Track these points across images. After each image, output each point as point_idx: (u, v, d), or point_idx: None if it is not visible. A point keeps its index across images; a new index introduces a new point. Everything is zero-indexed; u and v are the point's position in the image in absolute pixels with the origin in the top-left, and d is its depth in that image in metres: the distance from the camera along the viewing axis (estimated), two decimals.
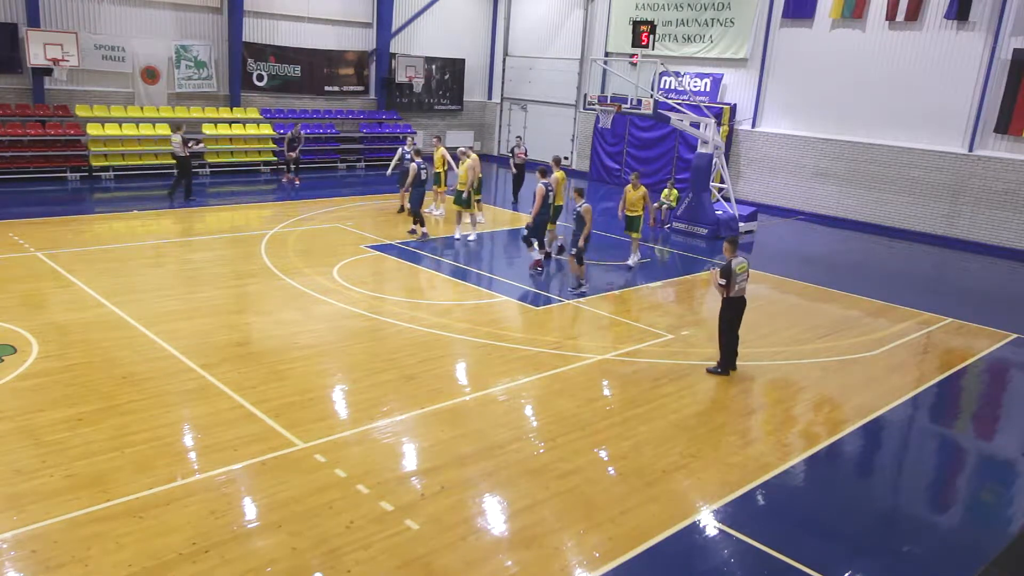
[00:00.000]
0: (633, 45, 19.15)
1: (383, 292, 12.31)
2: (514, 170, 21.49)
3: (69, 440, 7.08)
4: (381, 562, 5.69)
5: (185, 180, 18.29)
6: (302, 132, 21.90)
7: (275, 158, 23.62)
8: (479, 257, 15.20)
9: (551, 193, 13.89)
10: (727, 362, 9.78)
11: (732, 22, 22.98)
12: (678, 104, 19.74)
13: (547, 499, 6.70)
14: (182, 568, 5.47)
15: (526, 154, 21.53)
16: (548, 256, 14.80)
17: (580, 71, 27.30)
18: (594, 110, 19.84)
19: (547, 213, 14.06)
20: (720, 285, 9.45)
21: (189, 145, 18.21)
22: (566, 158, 28.12)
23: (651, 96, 18.26)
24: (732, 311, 9.61)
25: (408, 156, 16.89)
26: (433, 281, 13.29)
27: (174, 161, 18.49)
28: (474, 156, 16.16)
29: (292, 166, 21.73)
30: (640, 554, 6.04)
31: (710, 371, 9.78)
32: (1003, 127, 18.36)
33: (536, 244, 14.00)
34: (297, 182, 21.55)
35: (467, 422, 8.05)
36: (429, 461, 7.23)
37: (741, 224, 18.97)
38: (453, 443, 7.56)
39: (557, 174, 14.74)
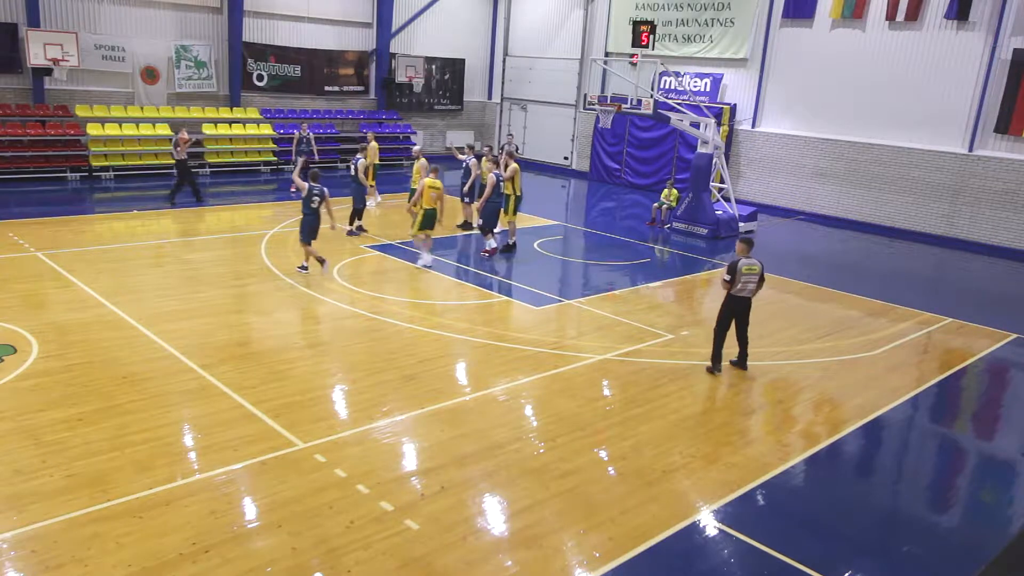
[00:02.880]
0: (633, 45, 19.16)
1: (383, 292, 12.31)
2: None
3: (69, 440, 7.08)
4: (381, 562, 5.69)
5: (188, 182, 17.91)
6: (310, 133, 20.57)
7: (275, 158, 23.62)
8: (478, 257, 15.19)
9: (502, 183, 14.44)
10: (716, 359, 9.76)
11: (732, 22, 22.98)
12: (678, 104, 19.75)
13: (547, 499, 6.70)
14: (182, 568, 5.47)
15: (517, 150, 21.69)
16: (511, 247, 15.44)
17: (580, 71, 27.29)
18: (594, 110, 19.84)
19: (497, 200, 14.65)
20: (724, 280, 9.47)
21: (179, 148, 17.61)
22: (566, 158, 28.18)
23: (651, 96, 18.26)
24: (728, 309, 9.60)
25: (467, 164, 16.93)
26: (433, 281, 13.28)
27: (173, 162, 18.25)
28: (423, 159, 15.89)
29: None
30: (640, 554, 6.04)
31: (708, 370, 9.81)
32: (1003, 127, 18.36)
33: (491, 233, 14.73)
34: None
35: (467, 422, 8.05)
36: (429, 461, 7.23)
37: (741, 224, 18.97)
38: (453, 443, 7.57)
39: (513, 166, 15.34)
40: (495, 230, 15.00)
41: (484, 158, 16.32)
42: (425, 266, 13.64)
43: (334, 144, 25.15)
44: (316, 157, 20.92)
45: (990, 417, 9.79)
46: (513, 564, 5.82)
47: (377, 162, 18.42)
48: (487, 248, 14.75)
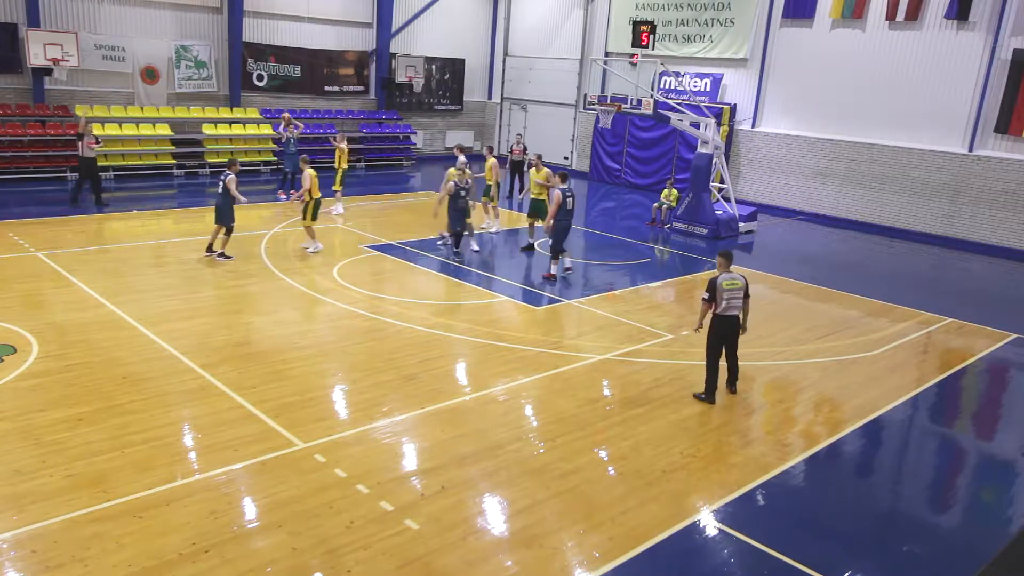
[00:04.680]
0: (633, 45, 19.15)
1: (383, 292, 12.31)
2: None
3: (69, 440, 7.08)
4: (381, 562, 5.69)
5: (90, 182, 16.92)
6: (295, 130, 19.48)
7: (275, 158, 23.61)
8: (480, 257, 15.18)
9: (569, 199, 13.46)
10: (712, 387, 8.95)
11: (732, 22, 22.98)
12: (678, 104, 19.76)
13: (547, 499, 6.70)
14: (182, 568, 5.47)
15: (524, 151, 21.81)
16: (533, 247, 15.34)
17: (580, 71, 27.29)
18: (594, 110, 19.84)
19: (565, 219, 13.47)
20: (703, 300, 8.79)
21: (86, 142, 16.59)
22: (566, 158, 28.16)
23: (651, 96, 18.27)
24: (716, 333, 8.84)
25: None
26: (433, 281, 13.28)
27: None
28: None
29: (286, 177, 19.43)
30: (640, 554, 6.04)
31: (696, 396, 9.00)
32: (1003, 127, 18.36)
33: (564, 254, 13.69)
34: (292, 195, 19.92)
35: (467, 422, 8.05)
36: (429, 461, 7.23)
37: (741, 224, 18.98)
38: (453, 443, 7.56)
39: (545, 170, 15.38)
40: (475, 231, 14.60)
41: (533, 167, 15.47)
42: (315, 250, 14.11)
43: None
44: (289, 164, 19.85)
45: (990, 417, 9.79)
46: (513, 564, 5.82)
47: (345, 166, 17.69)
48: (555, 273, 13.63)
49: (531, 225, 15.53)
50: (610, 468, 7.36)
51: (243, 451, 7.09)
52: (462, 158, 15.68)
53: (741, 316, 8.93)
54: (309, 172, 13.95)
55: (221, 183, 13.21)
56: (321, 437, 7.46)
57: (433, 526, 6.17)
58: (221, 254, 13.39)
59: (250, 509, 6.29)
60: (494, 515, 6.49)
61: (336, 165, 17.68)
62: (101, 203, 17.07)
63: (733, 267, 8.96)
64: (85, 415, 7.57)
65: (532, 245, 15.53)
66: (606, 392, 9.17)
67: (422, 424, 7.95)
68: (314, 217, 14.15)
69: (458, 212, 14.26)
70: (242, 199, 13.40)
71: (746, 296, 8.87)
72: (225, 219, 13.31)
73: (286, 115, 19.69)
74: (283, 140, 19.61)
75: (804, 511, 6.99)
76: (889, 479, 7.92)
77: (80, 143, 16.70)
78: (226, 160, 13.74)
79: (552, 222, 13.35)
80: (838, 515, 6.94)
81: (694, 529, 6.48)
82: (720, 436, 8.19)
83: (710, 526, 6.55)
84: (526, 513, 6.48)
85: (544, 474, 7.10)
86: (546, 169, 15.35)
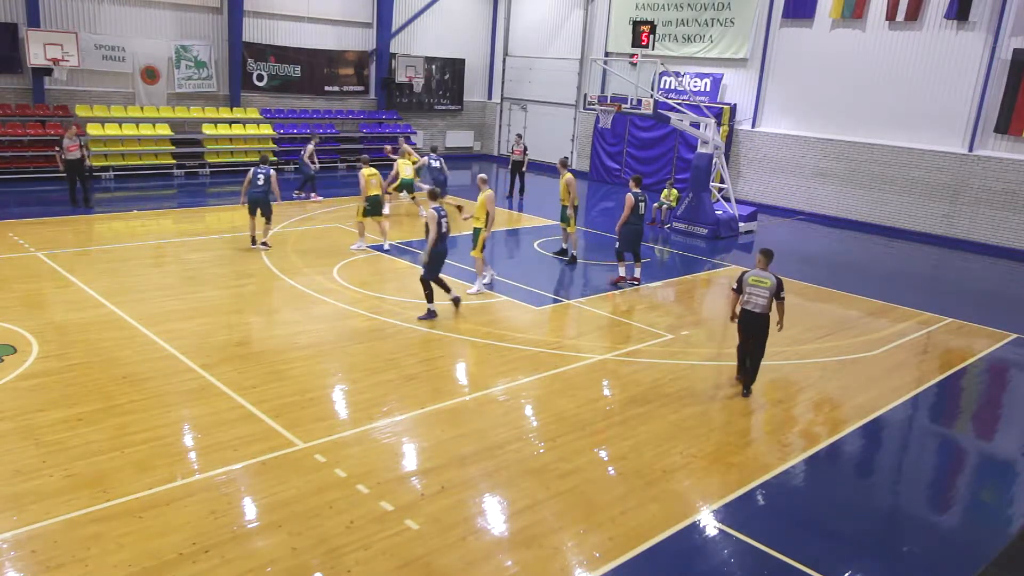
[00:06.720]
0: (633, 45, 19.16)
1: (383, 292, 12.31)
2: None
3: (69, 440, 7.08)
4: (381, 562, 5.69)
5: (80, 183, 16.90)
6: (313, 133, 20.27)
7: (275, 158, 23.60)
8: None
9: (641, 204, 13.14)
10: (739, 371, 9.37)
11: (732, 22, 22.98)
12: (678, 104, 19.76)
13: (547, 499, 6.70)
14: (182, 568, 5.47)
15: (525, 151, 21.89)
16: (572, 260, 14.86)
17: (580, 71, 27.30)
18: (594, 110, 19.84)
19: (638, 223, 13.19)
20: (732, 290, 9.19)
21: (67, 147, 16.59)
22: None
23: (651, 96, 18.26)
24: (741, 323, 9.12)
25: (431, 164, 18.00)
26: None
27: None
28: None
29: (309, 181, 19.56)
30: (640, 554, 6.04)
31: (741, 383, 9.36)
32: (1003, 127, 18.37)
33: (631, 258, 13.47)
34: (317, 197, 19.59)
35: (467, 422, 8.05)
36: (429, 461, 7.23)
37: (741, 224, 18.98)
38: (453, 443, 7.57)
39: (568, 176, 14.57)
40: (485, 272, 12.80)
41: (562, 173, 14.61)
42: (358, 247, 14.67)
43: (334, 144, 25.16)
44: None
45: (990, 417, 9.79)
46: (513, 564, 5.82)
47: (408, 176, 17.76)
48: (625, 275, 13.53)
49: (565, 230, 14.94)
50: (610, 468, 7.36)
51: (243, 451, 7.09)
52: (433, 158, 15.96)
53: (771, 315, 8.99)
54: (364, 172, 14.41)
55: (263, 176, 13.91)
56: (321, 437, 7.46)
57: (433, 526, 6.17)
58: (264, 243, 14.27)
59: (250, 509, 6.29)
60: (494, 515, 6.49)
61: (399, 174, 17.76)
62: (89, 204, 16.98)
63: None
64: (85, 415, 7.57)
65: (565, 250, 15.03)
66: (606, 392, 9.17)
67: (422, 424, 7.95)
68: (365, 214, 14.55)
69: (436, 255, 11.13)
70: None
71: (779, 298, 8.91)
72: (267, 210, 14.18)
73: (317, 140, 20.32)
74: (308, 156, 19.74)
75: (804, 511, 6.99)
76: (889, 479, 7.92)
77: (62, 148, 16.74)
78: (259, 158, 14.38)
79: (624, 225, 13.12)
80: (838, 515, 6.95)
81: (694, 529, 6.48)
82: (720, 436, 8.19)
83: (710, 526, 6.55)
84: (526, 513, 6.48)
85: (544, 474, 7.10)
86: (568, 174, 14.49)
